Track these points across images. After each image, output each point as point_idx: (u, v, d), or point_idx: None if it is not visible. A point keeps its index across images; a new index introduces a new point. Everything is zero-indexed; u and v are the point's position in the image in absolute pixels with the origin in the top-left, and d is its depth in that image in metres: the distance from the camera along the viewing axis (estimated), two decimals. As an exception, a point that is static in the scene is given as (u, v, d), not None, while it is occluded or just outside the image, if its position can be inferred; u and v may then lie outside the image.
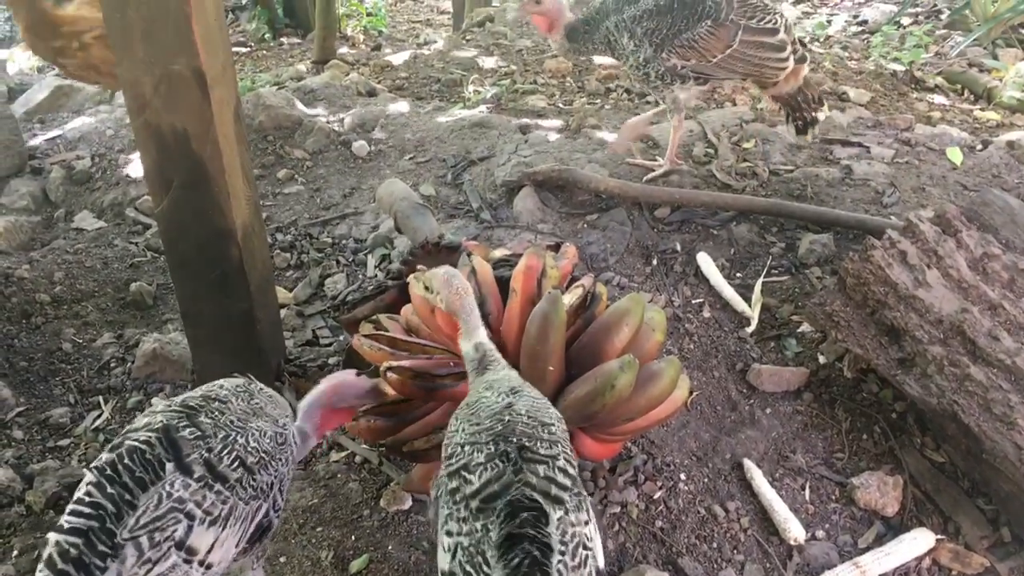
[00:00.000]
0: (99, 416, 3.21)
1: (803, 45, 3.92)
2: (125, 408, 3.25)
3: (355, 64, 7.30)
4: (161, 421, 1.86)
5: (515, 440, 1.76)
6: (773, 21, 3.79)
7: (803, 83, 4.01)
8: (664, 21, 3.72)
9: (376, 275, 3.86)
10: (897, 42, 7.25)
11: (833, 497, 2.82)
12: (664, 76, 3.84)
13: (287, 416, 2.14)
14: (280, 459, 2.02)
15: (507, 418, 1.83)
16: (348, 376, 2.33)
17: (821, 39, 7.56)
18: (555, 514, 1.64)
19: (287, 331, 3.54)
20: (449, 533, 1.70)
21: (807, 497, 2.81)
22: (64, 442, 3.10)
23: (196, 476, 1.79)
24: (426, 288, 2.27)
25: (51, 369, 3.45)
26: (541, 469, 1.72)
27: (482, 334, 2.15)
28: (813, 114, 4.12)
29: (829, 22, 8.14)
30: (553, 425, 1.88)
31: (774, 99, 4.17)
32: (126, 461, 1.76)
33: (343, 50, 7.62)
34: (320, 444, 3.00)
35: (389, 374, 2.40)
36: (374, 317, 2.82)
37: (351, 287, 3.81)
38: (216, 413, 1.94)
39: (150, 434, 1.82)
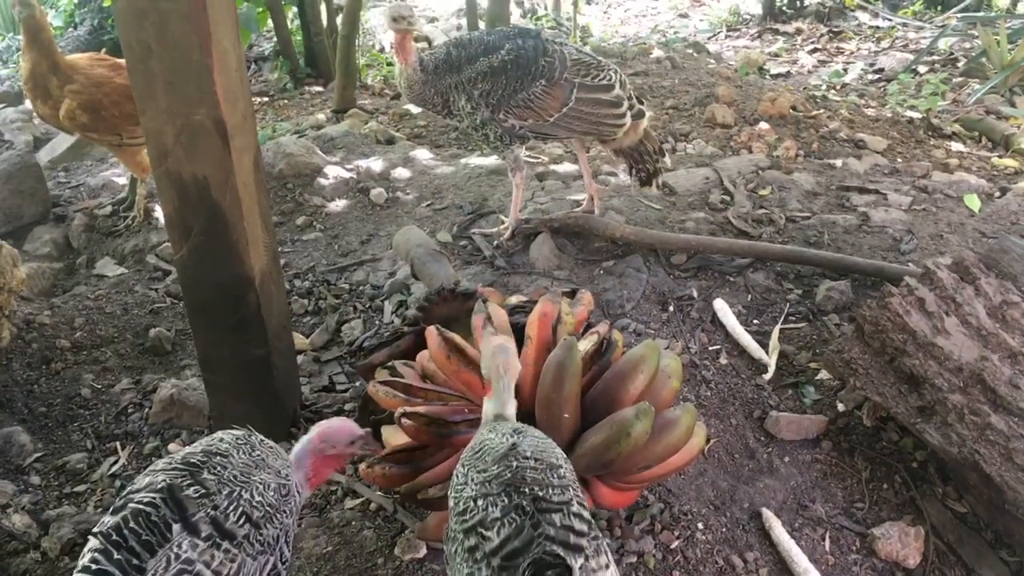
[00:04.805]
0: (116, 462, 3.21)
1: (640, 101, 3.95)
2: (142, 454, 3.25)
3: (374, 113, 7.40)
4: (164, 480, 1.84)
5: (527, 491, 1.74)
6: (608, 78, 3.82)
7: (643, 136, 4.06)
8: (499, 82, 3.71)
9: (393, 321, 3.88)
10: (914, 90, 7.29)
11: (854, 548, 2.78)
12: (503, 136, 3.85)
13: (289, 467, 2.13)
14: (284, 511, 2.01)
15: (515, 463, 1.81)
16: (337, 422, 2.30)
17: (837, 87, 7.61)
18: (576, 564, 1.62)
19: (304, 377, 3.55)
20: None
21: (827, 548, 2.77)
22: (80, 488, 3.10)
23: (203, 535, 1.77)
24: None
25: (69, 415, 3.47)
26: (557, 518, 1.70)
27: (511, 410, 2.09)
28: (655, 166, 4.16)
29: (845, 70, 8.20)
30: (561, 467, 1.87)
31: (616, 152, 4.21)
32: (132, 524, 1.74)
33: (363, 99, 7.73)
34: (335, 491, 3.00)
35: (404, 420, 2.39)
36: (390, 363, 2.83)
37: (368, 333, 3.82)
38: (219, 468, 1.92)
39: (153, 495, 1.80)
